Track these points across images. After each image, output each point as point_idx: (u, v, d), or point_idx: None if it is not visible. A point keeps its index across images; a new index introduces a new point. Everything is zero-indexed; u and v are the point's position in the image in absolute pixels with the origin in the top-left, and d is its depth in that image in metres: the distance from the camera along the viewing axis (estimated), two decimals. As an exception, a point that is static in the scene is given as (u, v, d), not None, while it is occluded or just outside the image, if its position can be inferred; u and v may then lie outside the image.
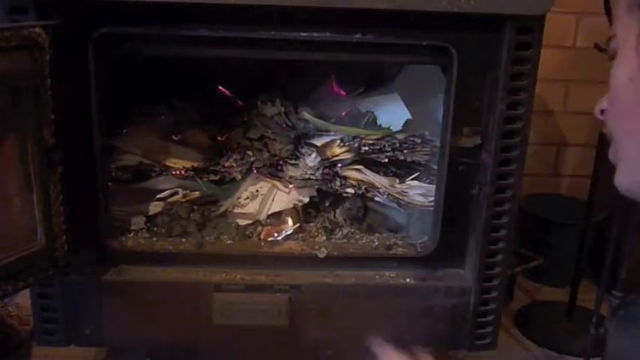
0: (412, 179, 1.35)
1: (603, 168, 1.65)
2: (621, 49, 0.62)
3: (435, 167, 1.29)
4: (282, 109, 1.47)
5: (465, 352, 1.33)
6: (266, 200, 1.39)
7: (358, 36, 1.11)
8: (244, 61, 1.50)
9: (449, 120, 1.16)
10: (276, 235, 1.32)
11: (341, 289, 1.25)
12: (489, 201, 1.19)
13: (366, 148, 1.35)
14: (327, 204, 1.43)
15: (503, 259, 1.24)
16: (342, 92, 1.53)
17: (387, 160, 1.35)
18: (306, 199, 1.39)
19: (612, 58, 0.65)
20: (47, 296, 1.22)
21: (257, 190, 1.41)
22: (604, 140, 1.63)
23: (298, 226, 1.34)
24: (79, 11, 1.07)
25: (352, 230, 1.36)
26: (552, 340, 1.77)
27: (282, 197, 1.39)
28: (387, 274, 1.28)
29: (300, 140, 1.44)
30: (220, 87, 1.53)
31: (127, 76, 1.34)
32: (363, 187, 1.36)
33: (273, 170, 1.41)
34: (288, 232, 1.32)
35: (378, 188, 1.35)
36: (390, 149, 1.34)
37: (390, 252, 1.28)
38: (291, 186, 1.39)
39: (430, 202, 1.30)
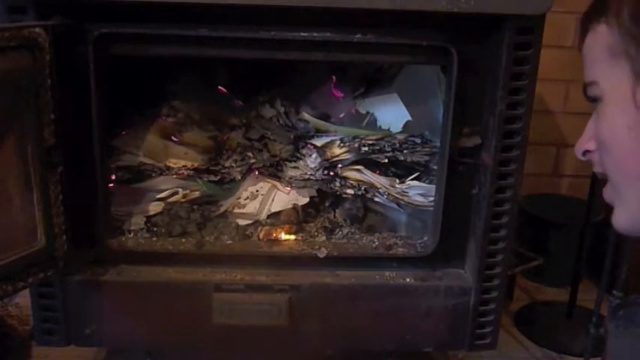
0: (412, 179, 1.35)
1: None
2: (611, 98, 0.63)
3: (435, 167, 1.29)
4: (283, 109, 1.47)
5: (465, 352, 1.33)
6: (266, 200, 1.39)
7: (358, 36, 1.11)
8: (244, 61, 1.49)
9: (449, 120, 1.16)
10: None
11: (341, 289, 1.25)
12: (489, 201, 1.19)
13: (366, 149, 1.35)
14: (327, 204, 1.43)
15: (503, 259, 1.24)
16: (342, 93, 1.53)
17: (387, 161, 1.35)
18: (306, 200, 1.39)
19: (592, 101, 0.66)
20: (47, 296, 1.22)
21: (257, 190, 1.41)
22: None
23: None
24: (79, 11, 1.07)
25: (352, 230, 1.36)
26: (552, 340, 1.78)
27: (282, 197, 1.40)
28: (387, 274, 1.28)
29: (300, 141, 1.44)
30: (220, 87, 1.53)
31: (127, 76, 1.34)
32: (363, 188, 1.36)
33: (273, 170, 1.42)
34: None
35: (378, 188, 1.35)
36: (389, 149, 1.34)
37: (390, 252, 1.28)
38: (289, 187, 1.39)
39: (430, 202, 1.30)
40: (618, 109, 0.63)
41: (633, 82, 0.60)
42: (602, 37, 0.64)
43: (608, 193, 0.69)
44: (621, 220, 0.67)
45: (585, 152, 0.70)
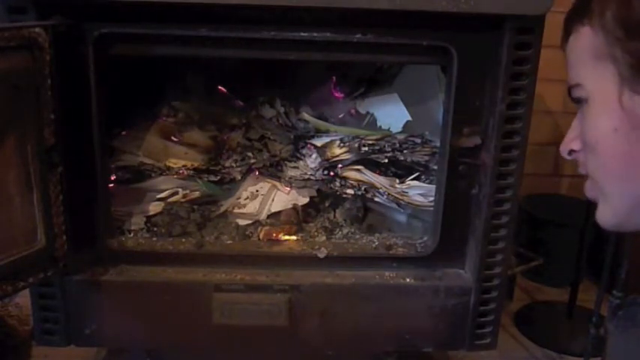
0: (412, 179, 1.35)
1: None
2: (597, 100, 0.64)
3: (435, 167, 1.29)
4: (283, 109, 1.47)
5: (465, 352, 1.33)
6: (266, 200, 1.39)
7: (358, 36, 1.11)
8: (244, 61, 1.50)
9: (449, 120, 1.16)
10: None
11: (341, 289, 1.25)
12: (489, 201, 1.19)
13: (366, 149, 1.35)
14: (327, 204, 1.43)
15: (503, 259, 1.24)
16: (342, 93, 1.53)
17: (387, 161, 1.35)
18: (306, 200, 1.39)
19: (577, 102, 0.67)
20: (47, 296, 1.22)
21: (257, 190, 1.41)
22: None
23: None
24: (79, 11, 1.07)
25: (352, 230, 1.36)
26: (552, 340, 1.78)
27: (282, 197, 1.40)
28: (387, 274, 1.27)
29: (300, 141, 1.44)
30: (220, 87, 1.53)
31: (127, 76, 1.34)
32: (363, 188, 1.36)
33: (273, 170, 1.42)
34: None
35: (378, 188, 1.35)
36: (390, 149, 1.34)
37: (390, 252, 1.28)
38: (289, 187, 1.39)
39: (430, 202, 1.30)
40: (604, 111, 0.63)
41: (619, 84, 0.61)
42: (586, 39, 0.64)
43: (590, 190, 0.70)
44: (605, 217, 0.68)
45: (570, 151, 0.71)
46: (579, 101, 0.67)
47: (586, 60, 0.65)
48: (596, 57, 0.63)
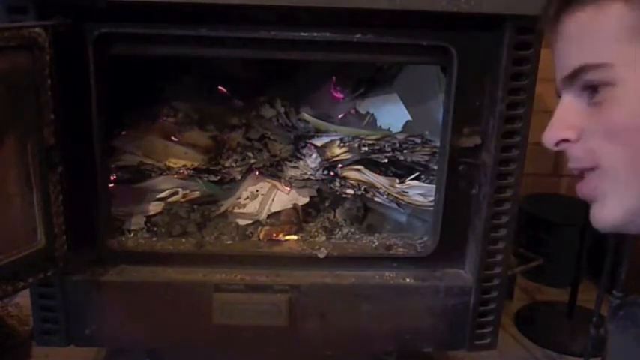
0: (412, 179, 1.35)
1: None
2: (634, 82, 0.57)
3: (435, 167, 1.29)
4: (283, 109, 1.47)
5: (465, 352, 1.33)
6: (266, 200, 1.39)
7: (358, 36, 1.11)
8: (244, 61, 1.50)
9: (449, 120, 1.16)
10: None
11: (341, 289, 1.25)
12: (489, 201, 1.19)
13: (366, 149, 1.35)
14: (327, 204, 1.43)
15: (503, 259, 1.24)
16: (342, 93, 1.53)
17: (387, 161, 1.35)
18: (306, 200, 1.39)
19: (589, 89, 0.60)
20: (47, 296, 1.22)
21: (257, 190, 1.41)
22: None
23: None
24: (79, 11, 1.07)
25: (352, 230, 1.36)
26: (552, 340, 1.78)
27: (282, 197, 1.40)
28: (387, 274, 1.27)
29: (300, 141, 1.44)
30: (220, 87, 1.53)
31: (127, 76, 1.34)
32: (363, 188, 1.36)
33: (274, 170, 1.42)
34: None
35: (378, 188, 1.35)
36: (390, 150, 1.34)
37: (390, 252, 1.28)
38: (289, 187, 1.39)
39: (430, 202, 1.30)
40: (637, 97, 0.56)
41: None
42: (617, 15, 0.57)
43: (588, 188, 0.63)
44: (612, 216, 0.62)
45: (559, 142, 0.63)
46: (591, 86, 0.60)
47: (617, 38, 0.57)
48: (634, 35, 0.56)
